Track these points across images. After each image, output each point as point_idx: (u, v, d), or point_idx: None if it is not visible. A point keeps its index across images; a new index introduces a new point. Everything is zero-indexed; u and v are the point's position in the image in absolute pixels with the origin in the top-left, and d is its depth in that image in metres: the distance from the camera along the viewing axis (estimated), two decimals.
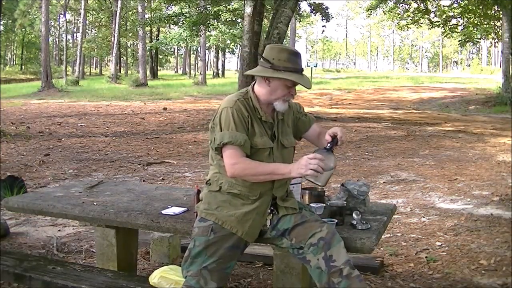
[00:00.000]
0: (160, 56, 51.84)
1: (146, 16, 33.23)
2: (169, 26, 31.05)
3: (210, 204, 2.16)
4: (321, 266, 1.98)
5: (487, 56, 69.68)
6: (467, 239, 3.82)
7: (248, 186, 2.11)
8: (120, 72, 39.88)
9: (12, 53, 63.67)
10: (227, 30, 28.91)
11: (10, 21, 47.45)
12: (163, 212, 2.55)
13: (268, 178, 2.09)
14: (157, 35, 41.64)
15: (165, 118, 13.62)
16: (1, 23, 44.65)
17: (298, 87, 2.20)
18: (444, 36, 23.42)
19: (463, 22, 20.25)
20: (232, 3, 21.45)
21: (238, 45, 30.69)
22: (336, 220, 2.26)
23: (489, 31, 21.71)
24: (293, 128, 2.30)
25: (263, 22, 14.62)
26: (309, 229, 2.08)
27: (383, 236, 3.07)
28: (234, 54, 51.39)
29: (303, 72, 2.18)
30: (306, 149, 8.58)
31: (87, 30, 47.02)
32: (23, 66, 54.25)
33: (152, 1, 36.25)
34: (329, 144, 2.07)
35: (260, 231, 2.17)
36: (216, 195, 2.16)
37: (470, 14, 19.12)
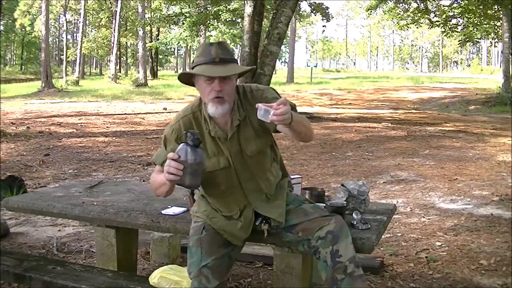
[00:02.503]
0: (160, 56, 51.87)
1: (146, 16, 33.23)
2: (169, 26, 31.07)
3: (199, 207, 2.18)
4: (327, 260, 1.94)
5: (487, 56, 69.71)
6: (467, 239, 3.82)
7: (224, 205, 2.10)
8: (120, 72, 39.87)
9: (12, 53, 63.68)
10: (227, 30, 28.90)
11: (10, 21, 47.50)
12: (163, 212, 2.55)
13: (165, 188, 1.93)
14: (157, 35, 41.64)
15: (165, 118, 13.61)
16: (1, 23, 44.68)
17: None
18: (444, 36, 23.41)
19: (463, 22, 20.25)
20: (232, 3, 21.45)
21: (238, 45, 30.67)
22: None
23: (489, 31, 21.70)
24: (262, 124, 2.00)
25: (263, 22, 14.62)
26: (317, 222, 2.02)
27: (383, 236, 3.07)
28: (234, 54, 51.35)
29: (230, 63, 1.94)
30: (306, 149, 8.60)
31: (87, 30, 46.99)
32: (23, 66, 54.28)
33: (152, 1, 36.24)
34: (188, 136, 1.79)
35: (255, 233, 2.14)
36: (205, 200, 2.18)
37: (470, 14, 19.11)
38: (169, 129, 2.05)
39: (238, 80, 2.09)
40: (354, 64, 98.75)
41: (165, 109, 15.79)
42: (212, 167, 2.00)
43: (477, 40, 23.43)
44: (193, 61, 1.98)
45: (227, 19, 22.85)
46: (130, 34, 41.25)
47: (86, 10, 38.98)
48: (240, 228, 2.09)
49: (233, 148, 2.01)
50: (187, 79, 2.01)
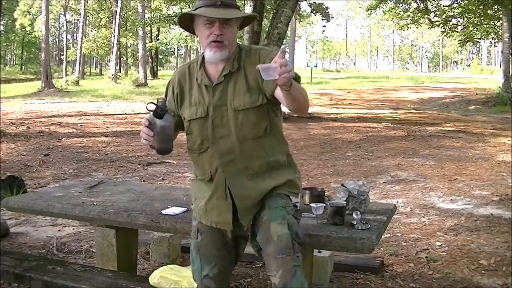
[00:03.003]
0: (160, 56, 51.84)
1: (146, 16, 33.22)
2: (169, 26, 31.07)
3: (192, 196, 2.11)
4: None
5: (487, 56, 69.71)
6: (467, 239, 3.82)
7: (199, 167, 2.01)
8: (120, 72, 39.87)
9: (12, 53, 63.67)
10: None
11: (10, 21, 47.50)
12: (163, 212, 2.55)
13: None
14: (157, 35, 41.63)
15: None
16: (1, 23, 44.68)
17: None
18: (444, 36, 23.42)
19: (463, 22, 20.25)
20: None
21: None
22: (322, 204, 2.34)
23: (489, 31, 21.71)
24: (261, 84, 1.88)
25: (263, 22, 14.62)
26: (268, 261, 1.84)
27: (383, 236, 3.07)
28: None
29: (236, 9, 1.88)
30: (306, 149, 8.60)
31: (87, 30, 46.99)
32: (23, 66, 54.26)
33: (152, 1, 36.23)
34: (158, 108, 1.81)
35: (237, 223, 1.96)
36: (193, 184, 2.10)
37: (470, 14, 19.11)
38: (168, 80, 2.09)
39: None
40: (354, 64, 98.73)
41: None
42: (189, 117, 1.94)
43: (477, 40, 23.43)
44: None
45: None
46: (130, 34, 41.22)
47: (86, 10, 38.97)
48: (217, 203, 1.94)
49: (216, 97, 1.90)
50: (187, 24, 1.94)
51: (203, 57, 1.93)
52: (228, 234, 2.00)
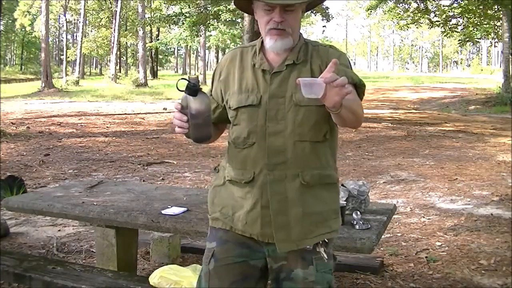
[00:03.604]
0: (160, 56, 51.87)
1: (146, 16, 33.22)
2: (169, 26, 31.06)
3: (214, 205, 1.75)
4: None
5: (487, 56, 69.72)
6: (467, 239, 3.82)
7: (238, 165, 1.66)
8: (120, 72, 39.88)
9: (12, 53, 63.69)
10: (227, 30, 28.89)
11: (10, 21, 47.52)
12: (163, 212, 2.55)
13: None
14: (157, 35, 41.64)
15: (165, 118, 13.61)
16: (1, 23, 44.68)
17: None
18: (444, 36, 23.42)
19: (463, 22, 20.24)
20: (232, 3, 21.42)
21: (238, 45, 30.66)
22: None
23: (489, 31, 21.69)
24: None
25: None
26: None
27: (383, 236, 3.07)
28: None
29: None
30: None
31: (87, 30, 47.00)
32: (23, 66, 54.27)
33: (152, 1, 36.23)
34: (190, 83, 1.53)
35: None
36: (218, 189, 1.75)
37: (470, 14, 19.09)
38: (215, 67, 1.79)
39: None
40: (354, 64, 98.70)
41: (165, 109, 15.79)
42: (236, 104, 1.64)
43: (477, 40, 23.40)
44: None
45: (227, 19, 22.84)
46: (130, 34, 41.26)
47: (86, 10, 38.98)
48: (261, 212, 1.60)
49: (274, 86, 1.61)
50: (245, 4, 1.70)
51: (262, 42, 1.66)
52: (258, 263, 1.67)
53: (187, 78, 1.53)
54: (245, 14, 12.36)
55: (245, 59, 1.69)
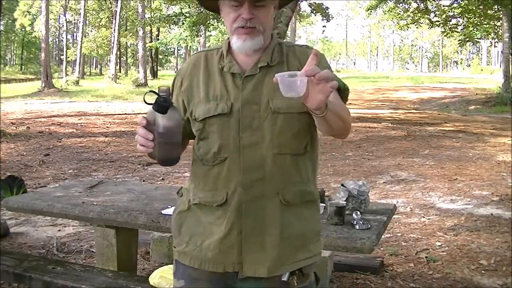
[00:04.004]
0: (160, 56, 51.88)
1: (146, 16, 33.22)
2: (169, 26, 31.07)
3: (181, 235, 1.51)
4: None
5: (487, 56, 69.74)
6: (467, 239, 3.82)
7: (208, 185, 1.45)
8: (120, 72, 39.89)
9: (12, 53, 63.70)
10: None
11: (10, 21, 47.52)
12: (163, 212, 2.55)
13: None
14: (157, 35, 41.65)
15: None
16: (1, 23, 44.70)
17: None
18: (444, 36, 23.42)
19: (463, 22, 20.24)
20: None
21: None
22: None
23: (489, 31, 21.69)
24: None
25: None
26: None
27: (383, 236, 3.07)
28: None
29: None
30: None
31: (87, 30, 47.01)
32: (23, 66, 54.27)
33: (152, 1, 36.23)
34: (160, 98, 1.29)
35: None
36: (184, 214, 1.51)
37: (470, 14, 19.10)
38: (176, 73, 1.56)
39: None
40: (354, 64, 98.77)
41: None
42: (204, 114, 1.41)
43: (477, 40, 23.40)
44: None
45: None
46: (130, 34, 41.26)
47: (86, 10, 38.98)
48: (237, 239, 1.40)
49: (246, 91, 1.40)
50: (212, 3, 1.51)
51: (230, 43, 1.45)
52: None
53: (157, 91, 1.30)
54: None
55: (210, 63, 1.47)
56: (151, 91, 1.30)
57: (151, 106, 1.28)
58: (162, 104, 1.27)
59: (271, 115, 1.39)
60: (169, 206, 2.63)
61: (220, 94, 1.42)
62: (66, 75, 33.58)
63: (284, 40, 1.61)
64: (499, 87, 19.96)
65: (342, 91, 1.43)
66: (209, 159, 1.44)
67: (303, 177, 1.44)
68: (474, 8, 18.25)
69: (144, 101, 1.30)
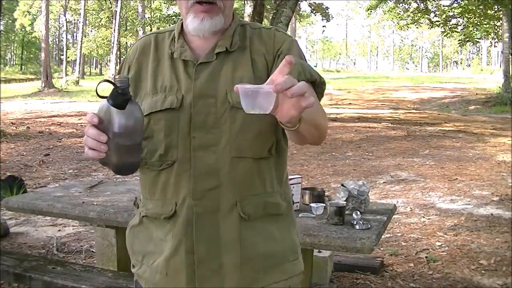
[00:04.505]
0: None
1: (146, 16, 33.24)
2: (169, 26, 31.10)
3: (134, 254, 1.33)
4: None
5: (487, 56, 69.74)
6: (467, 239, 3.82)
7: (154, 195, 1.23)
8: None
9: (12, 53, 63.71)
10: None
11: (10, 21, 47.54)
12: None
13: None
14: None
15: None
16: (1, 23, 44.71)
17: None
18: (444, 36, 23.44)
19: (463, 22, 20.25)
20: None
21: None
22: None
23: (489, 31, 21.71)
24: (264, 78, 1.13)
25: (263, 22, 14.63)
26: None
27: (383, 236, 3.07)
28: None
29: None
30: (306, 149, 8.60)
31: (87, 30, 47.03)
32: (23, 66, 54.29)
33: (152, 1, 36.24)
34: (117, 89, 1.03)
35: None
36: (135, 230, 1.31)
37: (470, 14, 19.11)
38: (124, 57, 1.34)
39: None
40: (354, 64, 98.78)
41: None
42: (149, 108, 1.19)
43: (477, 40, 23.43)
44: None
45: None
46: (130, 34, 41.25)
47: (86, 10, 38.99)
48: (186, 259, 1.17)
49: (200, 82, 1.17)
50: None
51: (182, 24, 1.24)
52: None
53: (112, 80, 1.06)
54: (245, 14, 12.37)
55: (161, 48, 1.26)
56: (105, 80, 1.07)
57: (104, 100, 1.03)
58: (120, 96, 1.01)
59: (229, 111, 1.15)
60: None
61: (169, 85, 1.20)
62: (66, 75, 33.60)
63: (249, 21, 1.34)
64: (499, 87, 19.97)
65: (318, 85, 1.19)
66: (155, 162, 1.20)
67: (267, 186, 1.21)
68: (474, 8, 18.27)
69: (97, 93, 1.04)
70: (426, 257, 3.45)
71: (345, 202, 2.40)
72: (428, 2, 18.95)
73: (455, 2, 19.45)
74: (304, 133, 1.05)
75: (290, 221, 1.28)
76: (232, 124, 1.15)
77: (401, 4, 20.28)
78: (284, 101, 0.92)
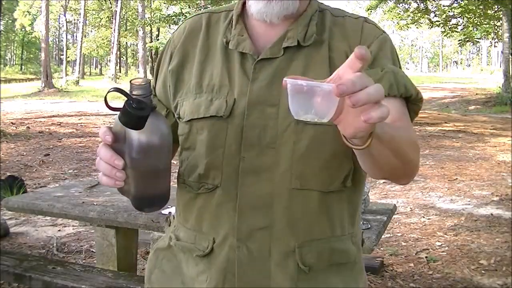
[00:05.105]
0: None
1: (146, 16, 33.24)
2: (169, 26, 31.09)
3: (151, 283, 1.04)
4: None
5: (487, 56, 69.77)
6: (467, 239, 3.82)
7: (188, 224, 0.97)
8: (120, 72, 39.92)
9: (12, 53, 63.73)
10: None
11: (10, 21, 47.56)
12: (163, 212, 2.55)
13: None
14: (157, 35, 41.67)
15: None
16: (1, 23, 44.72)
17: None
18: (444, 36, 23.45)
19: (463, 22, 20.26)
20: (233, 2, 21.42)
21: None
22: None
23: (489, 31, 21.73)
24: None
25: None
26: None
27: (383, 236, 3.07)
28: None
29: None
30: None
31: (87, 30, 47.04)
32: (23, 66, 54.31)
33: (152, 1, 36.23)
34: (131, 102, 0.75)
35: None
36: (160, 255, 1.04)
37: (470, 14, 19.12)
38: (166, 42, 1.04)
39: None
40: None
41: None
42: (190, 113, 0.93)
43: (477, 40, 23.43)
44: None
45: None
46: (130, 34, 41.28)
47: (86, 10, 39.00)
48: None
49: (260, 85, 0.89)
50: None
51: (244, 4, 0.96)
52: None
53: (127, 93, 0.76)
54: None
55: (213, 33, 0.97)
56: (116, 89, 0.76)
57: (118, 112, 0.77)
58: (136, 112, 0.74)
59: (295, 126, 0.87)
60: (169, 206, 2.63)
61: (218, 85, 0.92)
62: (66, 75, 33.61)
63: (329, 6, 0.99)
64: (499, 87, 19.97)
65: (412, 101, 0.91)
66: (193, 183, 0.94)
67: (336, 228, 0.92)
68: (474, 8, 18.28)
69: (106, 104, 0.77)
70: (426, 257, 3.45)
71: None
72: (428, 2, 18.95)
73: (455, 2, 19.46)
74: (378, 158, 0.77)
75: (358, 270, 0.98)
76: (296, 144, 0.87)
77: (401, 4, 20.28)
78: (350, 111, 0.64)
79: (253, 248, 0.89)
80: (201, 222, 0.94)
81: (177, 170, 1.00)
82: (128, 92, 0.75)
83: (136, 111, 0.74)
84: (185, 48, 0.98)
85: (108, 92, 0.77)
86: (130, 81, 0.77)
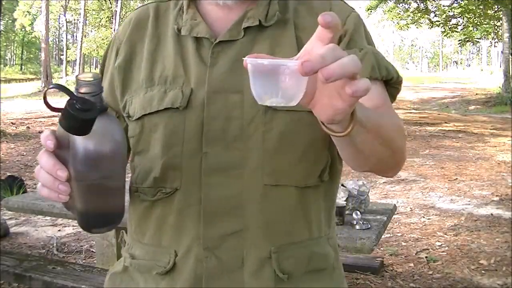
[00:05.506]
0: None
1: None
2: None
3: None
4: None
5: (487, 56, 69.79)
6: (467, 239, 3.82)
7: (144, 240, 0.84)
8: None
9: (12, 53, 63.74)
10: None
11: (10, 21, 47.57)
12: None
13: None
14: None
15: None
16: (1, 23, 44.74)
17: None
18: (444, 36, 23.46)
19: (463, 22, 20.27)
20: None
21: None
22: None
23: (489, 31, 21.74)
24: None
25: None
26: None
27: (383, 236, 3.07)
28: None
29: None
30: None
31: (87, 30, 47.05)
32: (23, 66, 54.32)
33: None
34: (74, 102, 0.60)
35: None
36: (121, 283, 0.88)
37: (470, 14, 19.13)
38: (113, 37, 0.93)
39: None
40: None
41: None
42: (141, 109, 0.80)
43: (477, 40, 23.46)
44: None
45: None
46: None
47: (86, 10, 39.02)
48: None
49: (220, 71, 0.78)
50: None
51: None
52: None
53: (72, 92, 0.62)
54: None
55: (163, 22, 0.86)
56: (56, 85, 0.64)
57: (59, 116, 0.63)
58: (79, 115, 0.60)
59: (263, 115, 0.76)
60: None
61: (172, 75, 0.80)
62: (66, 75, 33.63)
63: None
64: (499, 87, 19.98)
65: (392, 84, 0.86)
66: (147, 189, 0.81)
67: (313, 228, 0.81)
68: (474, 8, 18.29)
69: (46, 104, 0.63)
70: (426, 257, 3.45)
71: (345, 202, 2.40)
72: (428, 2, 18.96)
73: (455, 2, 19.47)
74: (362, 147, 0.67)
75: (338, 276, 0.86)
76: (266, 134, 0.75)
77: (401, 4, 20.29)
78: (323, 89, 0.55)
79: (223, 257, 0.77)
80: (160, 235, 0.80)
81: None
82: (74, 90, 0.62)
83: (80, 113, 0.60)
84: (132, 41, 0.86)
85: (47, 89, 0.63)
86: (76, 76, 0.63)
